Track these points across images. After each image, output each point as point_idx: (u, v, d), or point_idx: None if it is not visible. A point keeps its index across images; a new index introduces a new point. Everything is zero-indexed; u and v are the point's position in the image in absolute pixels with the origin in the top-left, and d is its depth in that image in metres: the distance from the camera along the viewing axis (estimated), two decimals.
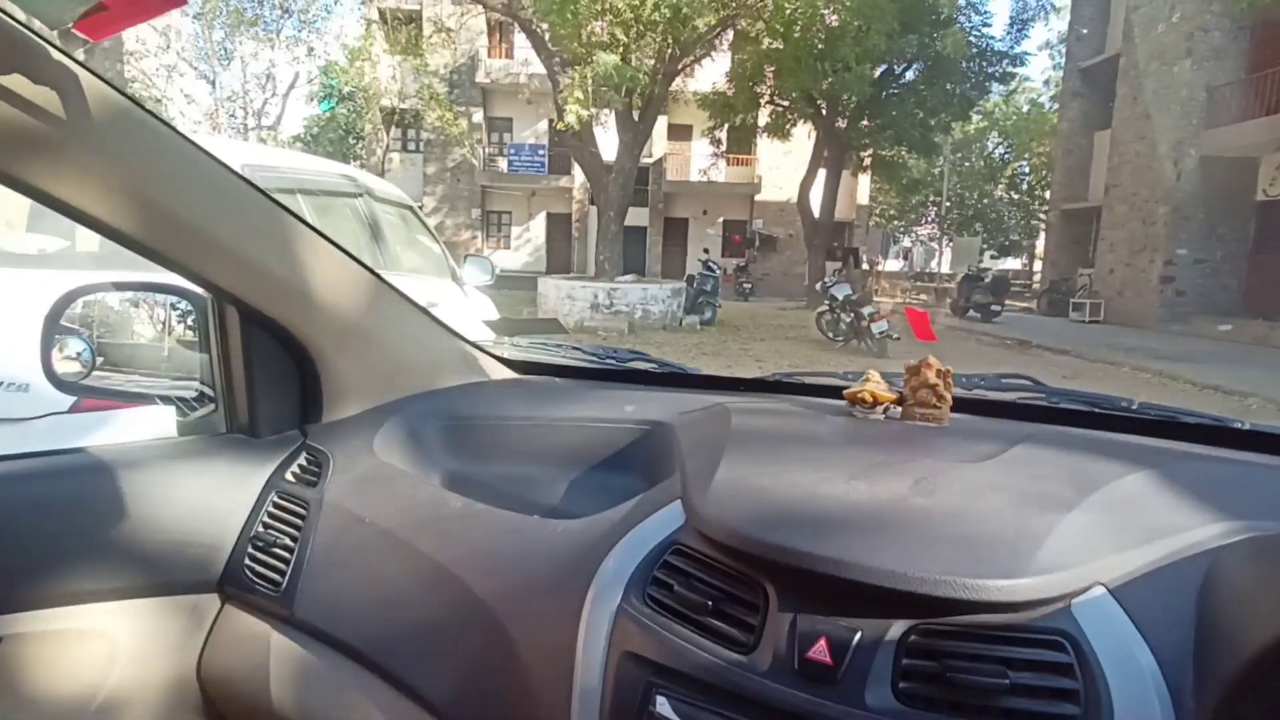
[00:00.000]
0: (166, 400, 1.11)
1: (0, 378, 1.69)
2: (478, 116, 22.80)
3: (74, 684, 0.88)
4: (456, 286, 4.03)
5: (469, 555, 0.81)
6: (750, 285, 21.00)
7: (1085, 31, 19.57)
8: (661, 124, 22.42)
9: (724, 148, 20.22)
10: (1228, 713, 0.45)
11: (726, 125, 18.30)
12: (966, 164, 32.34)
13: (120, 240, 0.83)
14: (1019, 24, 17.25)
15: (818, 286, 12.39)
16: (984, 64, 16.69)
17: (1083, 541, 0.55)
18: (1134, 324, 14.81)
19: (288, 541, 0.95)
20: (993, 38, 16.97)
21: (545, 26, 11.46)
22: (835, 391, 1.01)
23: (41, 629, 0.86)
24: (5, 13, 0.67)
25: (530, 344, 1.47)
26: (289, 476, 1.01)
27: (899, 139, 17.27)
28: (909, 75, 17.22)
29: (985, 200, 32.79)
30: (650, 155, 22.28)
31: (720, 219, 24.21)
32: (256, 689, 0.92)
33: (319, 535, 0.93)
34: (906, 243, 38.73)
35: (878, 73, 15.78)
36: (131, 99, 0.78)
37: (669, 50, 11.99)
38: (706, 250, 18.33)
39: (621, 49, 10.88)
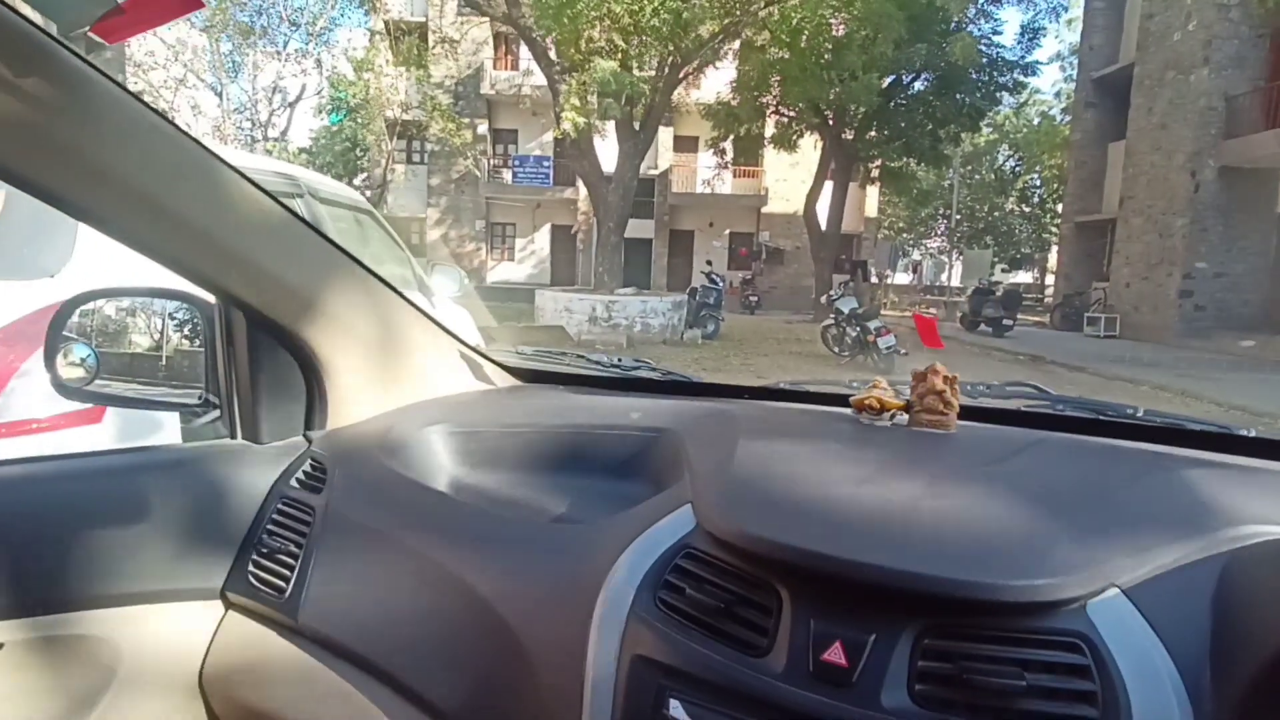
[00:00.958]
0: (170, 407, 1.11)
1: None
2: (483, 128, 22.76)
3: (76, 691, 0.88)
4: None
5: (477, 561, 0.80)
6: (756, 298, 20.75)
7: (1098, 41, 19.25)
8: (667, 136, 22.38)
9: (728, 159, 20.02)
10: (1247, 714, 0.45)
11: (731, 136, 18.08)
12: (976, 177, 32.09)
13: (132, 244, 0.84)
14: (1030, 33, 16.95)
15: (823, 300, 12.08)
16: (994, 73, 16.42)
17: (1096, 544, 0.55)
18: (1151, 339, 14.41)
19: (292, 548, 0.94)
20: (1003, 46, 16.80)
21: (544, 34, 11.23)
22: (841, 400, 1.00)
23: (44, 635, 0.86)
24: (22, 16, 0.68)
25: (534, 352, 1.49)
26: (293, 483, 1.01)
27: (908, 150, 17.01)
28: (918, 85, 16.98)
29: (996, 213, 32.50)
30: (656, 167, 22.20)
31: (727, 231, 24.02)
32: (260, 696, 0.91)
33: (324, 542, 0.92)
34: (916, 256, 38.41)
35: (886, 82, 15.54)
36: (145, 104, 0.79)
37: (670, 58, 11.74)
38: (709, 262, 18.09)
39: (620, 55, 10.63)
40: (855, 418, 0.92)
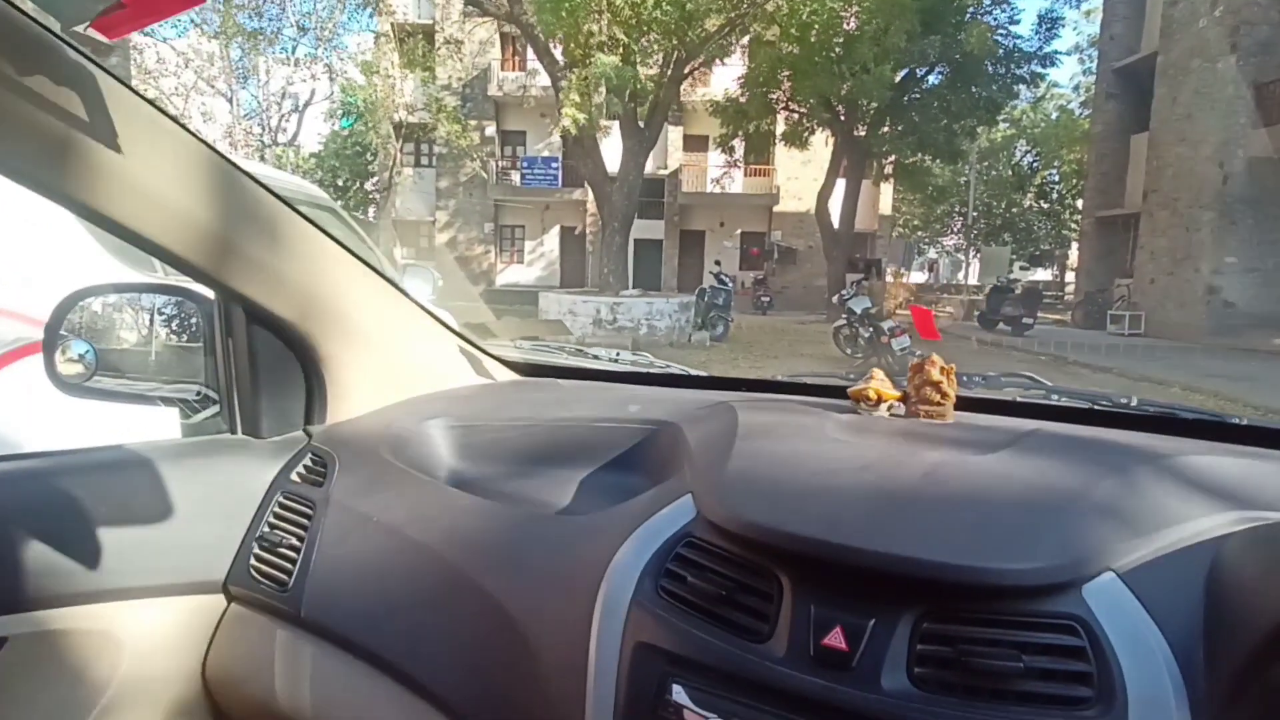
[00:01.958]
0: (169, 402, 1.11)
1: None
2: (490, 130, 22.62)
3: (80, 684, 0.89)
4: None
5: (479, 552, 0.82)
6: (769, 299, 20.41)
7: (1119, 30, 18.71)
8: (677, 135, 22.17)
9: (737, 157, 19.71)
10: (1239, 691, 0.46)
11: (741, 134, 17.77)
12: (993, 173, 31.54)
13: (130, 239, 0.84)
14: (1048, 23, 16.51)
15: (835, 299, 11.75)
16: (1011, 65, 16.02)
17: (1092, 530, 0.56)
18: (1177, 337, 13.92)
19: (294, 541, 0.95)
20: (1020, 37, 16.28)
21: (544, 31, 10.97)
22: (838, 391, 1.02)
23: (47, 629, 0.86)
24: (20, 10, 0.68)
25: (532, 346, 1.48)
26: (294, 477, 1.02)
27: (922, 145, 16.63)
28: (932, 79, 16.56)
29: (1014, 210, 31.90)
30: (665, 167, 21.99)
31: (738, 231, 23.73)
32: (263, 688, 0.92)
33: (326, 535, 0.93)
34: (931, 254, 37.81)
35: (899, 76, 15.15)
36: (143, 98, 0.80)
37: (675, 53, 11.45)
38: (718, 262, 17.78)
39: (622, 50, 10.34)
40: (853, 408, 0.92)
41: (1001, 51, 15.56)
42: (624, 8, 10.16)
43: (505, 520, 0.84)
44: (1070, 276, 30.88)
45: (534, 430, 1.01)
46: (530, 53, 18.51)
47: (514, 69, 22.52)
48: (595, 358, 1.40)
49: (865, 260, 20.88)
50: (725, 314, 12.90)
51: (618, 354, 1.43)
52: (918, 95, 16.54)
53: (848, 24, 13.54)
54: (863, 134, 16.90)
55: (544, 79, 17.04)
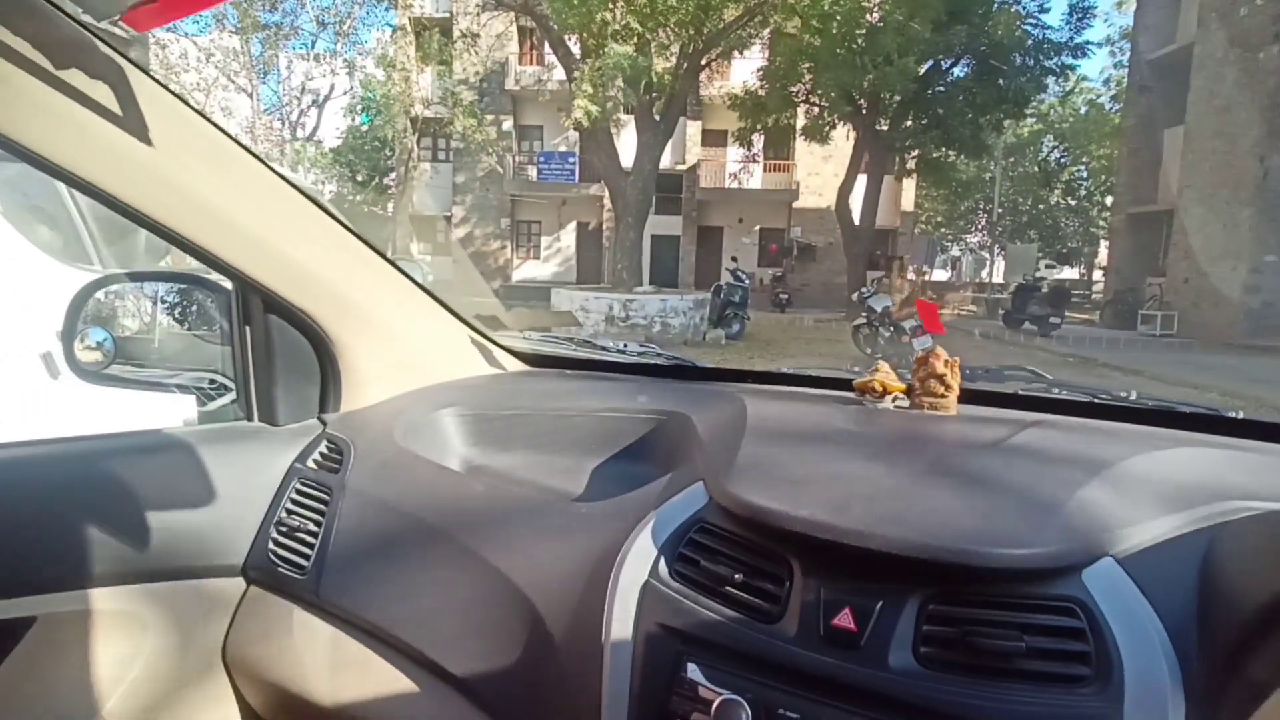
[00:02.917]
0: (185, 389, 1.13)
1: None
2: (508, 124, 22.45)
3: (105, 662, 0.91)
4: None
5: (494, 536, 0.83)
6: (787, 296, 20.06)
7: (1153, 19, 18.10)
8: (695, 129, 21.88)
9: (755, 151, 19.33)
10: (1231, 671, 0.48)
11: (760, 128, 17.40)
12: (1019, 169, 30.82)
13: (152, 227, 0.86)
14: (1079, 13, 15.90)
15: (855, 297, 11.44)
16: (1040, 56, 15.44)
17: (1092, 516, 0.58)
18: (1212, 338, 13.42)
19: (311, 526, 0.97)
20: (1050, 27, 15.71)
21: (557, 21, 10.73)
22: (844, 384, 1.02)
23: (74, 609, 0.89)
24: (53, 4, 0.70)
25: (541, 337, 1.50)
26: (310, 464, 1.04)
27: (947, 139, 16.16)
28: (957, 70, 16.08)
29: (1040, 206, 31.18)
30: (684, 162, 21.72)
31: (757, 227, 23.38)
32: (282, 669, 0.94)
33: (343, 520, 0.95)
34: (955, 251, 37.14)
35: (923, 68, 14.73)
36: (170, 91, 0.82)
37: (692, 44, 11.16)
38: (735, 258, 17.41)
39: (636, 40, 10.07)
40: (858, 400, 0.94)
41: (1030, 42, 15.05)
42: None
43: (519, 506, 0.86)
44: (1098, 275, 30.24)
45: (544, 420, 1.02)
46: (548, 47, 18.38)
47: (531, 63, 22.33)
48: (603, 349, 1.43)
49: (886, 257, 20.46)
50: (741, 311, 12.60)
51: (625, 345, 1.45)
52: (942, 88, 16.07)
53: (871, 14, 13.16)
54: (885, 128, 16.48)
55: (561, 73, 16.88)
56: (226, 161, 0.89)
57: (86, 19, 0.72)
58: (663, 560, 0.67)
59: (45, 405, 1.70)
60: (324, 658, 0.91)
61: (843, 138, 17.35)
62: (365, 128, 25.81)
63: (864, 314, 9.73)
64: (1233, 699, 0.47)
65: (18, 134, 0.74)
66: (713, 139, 22.52)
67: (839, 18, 12.58)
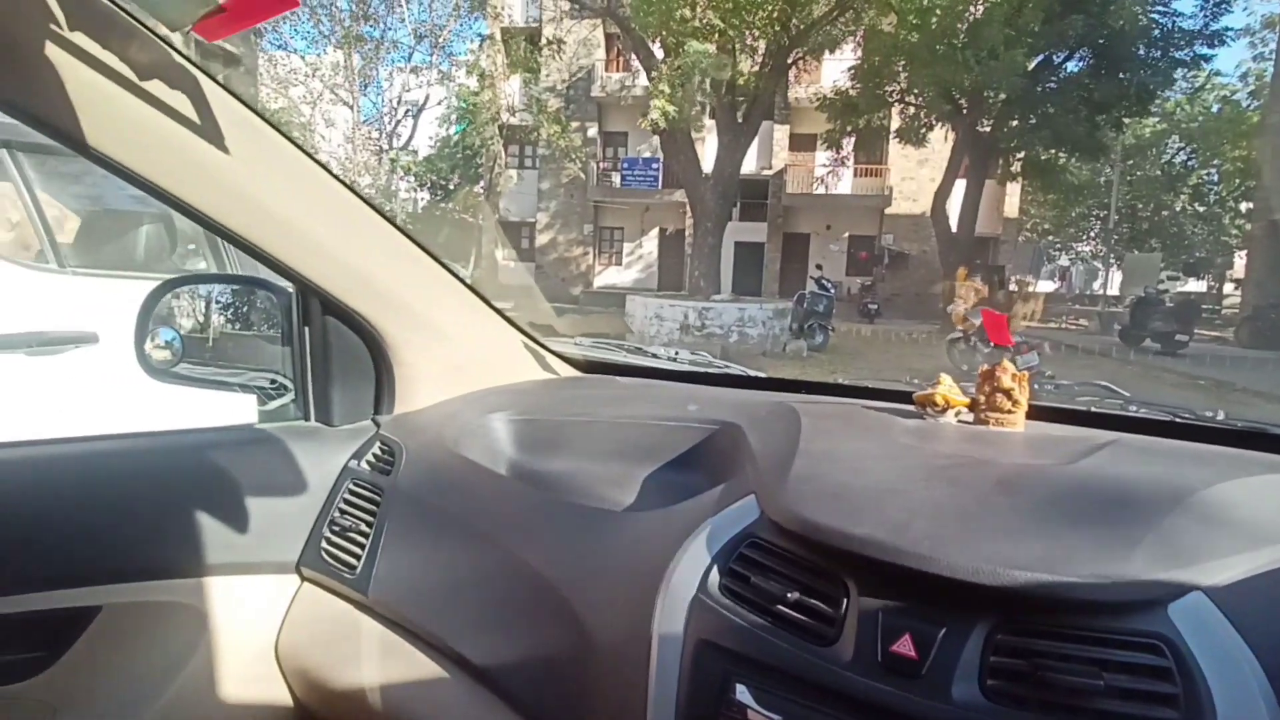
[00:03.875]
0: (247, 389, 1.16)
1: None
2: (593, 131, 22.57)
3: (165, 653, 0.95)
4: None
5: (542, 545, 0.83)
6: (876, 306, 19.18)
7: None
8: (783, 134, 21.34)
9: (844, 154, 18.56)
10: None
11: (850, 130, 16.66)
12: (1139, 172, 28.45)
13: (220, 232, 0.89)
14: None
15: (949, 310, 10.68)
16: (1168, 47, 14.04)
17: (1177, 545, 0.54)
18: None
19: (363, 527, 0.99)
20: (1180, 14, 14.27)
21: (636, 21, 10.49)
22: (904, 396, 1.00)
23: (136, 600, 0.92)
24: (130, 15, 0.74)
25: (593, 343, 1.52)
26: (363, 465, 1.06)
27: (1058, 140, 14.96)
28: (1071, 65, 14.85)
29: (1163, 213, 28.69)
30: (770, 167, 21.21)
31: (845, 234, 22.56)
32: (330, 666, 0.96)
33: (393, 522, 0.97)
34: (1064, 261, 34.72)
35: (1032, 62, 13.66)
36: (240, 100, 0.85)
37: (777, 41, 10.68)
38: (819, 266, 16.74)
39: (717, 36, 9.69)
40: (918, 414, 0.91)
41: (1157, 32, 13.70)
42: None
43: (568, 515, 0.86)
44: (1229, 287, 27.59)
45: (595, 427, 1.02)
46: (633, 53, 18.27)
47: (617, 69, 22.36)
48: (654, 356, 1.44)
49: (987, 267, 19.22)
50: (825, 322, 12.01)
51: (676, 353, 1.46)
52: (1054, 84, 14.89)
53: (974, 6, 12.30)
54: (988, 128, 15.46)
55: (645, 79, 16.72)
56: (291, 168, 0.93)
57: (163, 31, 0.75)
58: (712, 575, 0.65)
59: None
60: (372, 658, 0.93)
61: (940, 139, 16.41)
62: (458, 137, 26.60)
63: (961, 328, 9.16)
64: None
65: (95, 139, 0.76)
66: (801, 143, 21.92)
67: (939, 10, 11.81)
